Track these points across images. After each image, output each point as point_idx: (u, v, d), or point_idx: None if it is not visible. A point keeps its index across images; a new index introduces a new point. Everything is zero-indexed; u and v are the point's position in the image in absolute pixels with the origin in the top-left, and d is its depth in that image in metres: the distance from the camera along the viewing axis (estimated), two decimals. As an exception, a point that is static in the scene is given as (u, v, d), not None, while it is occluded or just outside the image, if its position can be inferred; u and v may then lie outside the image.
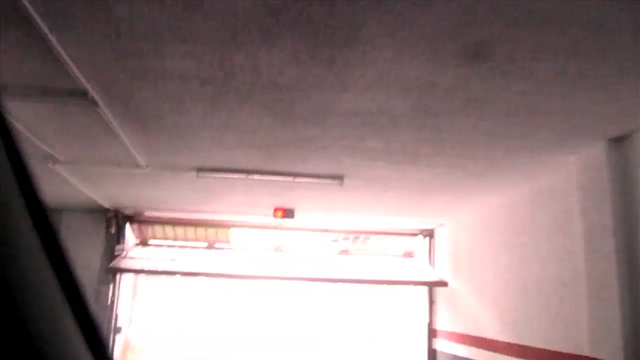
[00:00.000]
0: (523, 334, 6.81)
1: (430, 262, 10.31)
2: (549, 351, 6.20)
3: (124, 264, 9.34)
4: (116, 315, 9.28)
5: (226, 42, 3.46)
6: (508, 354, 7.13)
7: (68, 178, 6.88)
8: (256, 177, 6.62)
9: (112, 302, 9.20)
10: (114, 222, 9.35)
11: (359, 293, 11.25)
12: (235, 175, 6.62)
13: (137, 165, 6.36)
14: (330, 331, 13.39)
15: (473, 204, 7.88)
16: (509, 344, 7.10)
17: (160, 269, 9.47)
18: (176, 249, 10.61)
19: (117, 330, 9.32)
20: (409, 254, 11.05)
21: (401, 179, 6.60)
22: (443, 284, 9.46)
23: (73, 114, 4.87)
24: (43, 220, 0.78)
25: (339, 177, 6.54)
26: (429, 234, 10.36)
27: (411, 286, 10.30)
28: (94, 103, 4.51)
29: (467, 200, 7.72)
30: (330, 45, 3.43)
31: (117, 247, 9.46)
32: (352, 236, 11.93)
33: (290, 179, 6.64)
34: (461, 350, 8.64)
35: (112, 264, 9.05)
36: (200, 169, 6.52)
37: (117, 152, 5.94)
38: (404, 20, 3.09)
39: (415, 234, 10.51)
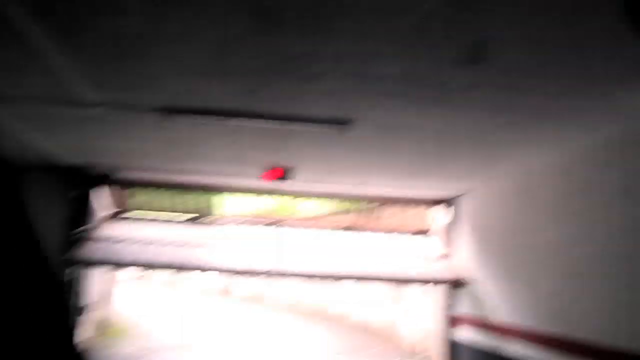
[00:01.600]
0: (572, 325, 5.40)
1: (450, 241, 8.85)
2: (609, 349, 4.81)
3: (86, 251, 7.92)
4: (76, 293, 7.94)
5: None
6: (550, 349, 5.73)
7: (5, 122, 5.49)
8: (236, 121, 5.18)
9: (75, 278, 7.86)
10: (79, 182, 7.96)
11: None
12: (211, 119, 5.19)
13: (84, 103, 4.94)
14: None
15: (510, 163, 6.42)
16: (552, 336, 5.70)
17: (130, 260, 8.03)
18: (157, 224, 9.18)
19: (80, 310, 7.99)
20: (426, 231, 9.59)
21: (422, 126, 5.14)
22: (460, 284, 8.08)
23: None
24: None
25: (343, 123, 5.08)
26: (451, 203, 8.89)
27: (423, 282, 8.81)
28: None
29: (502, 160, 6.27)
30: None
31: (75, 232, 8.03)
32: (360, 206, 10.54)
33: (280, 125, 5.20)
34: (488, 341, 7.25)
35: (69, 254, 7.60)
36: (164, 110, 5.08)
37: (53, 83, 4.52)
38: None
39: (435, 203, 9.03)
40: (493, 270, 7.35)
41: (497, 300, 7.14)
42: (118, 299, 11.68)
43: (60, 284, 7.54)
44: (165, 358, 9.12)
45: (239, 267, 8.20)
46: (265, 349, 10.77)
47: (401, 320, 11.39)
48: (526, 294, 6.41)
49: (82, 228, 8.20)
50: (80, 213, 8.29)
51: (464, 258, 8.39)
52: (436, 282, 8.43)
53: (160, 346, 10.02)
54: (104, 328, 10.40)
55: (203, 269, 8.57)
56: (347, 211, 11.44)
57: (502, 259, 7.11)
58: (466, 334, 7.96)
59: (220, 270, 8.73)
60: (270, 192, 8.93)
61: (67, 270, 7.66)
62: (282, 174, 7.29)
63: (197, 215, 9.53)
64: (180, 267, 8.28)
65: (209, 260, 8.15)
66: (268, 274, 8.88)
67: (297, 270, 8.25)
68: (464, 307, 8.13)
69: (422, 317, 10.12)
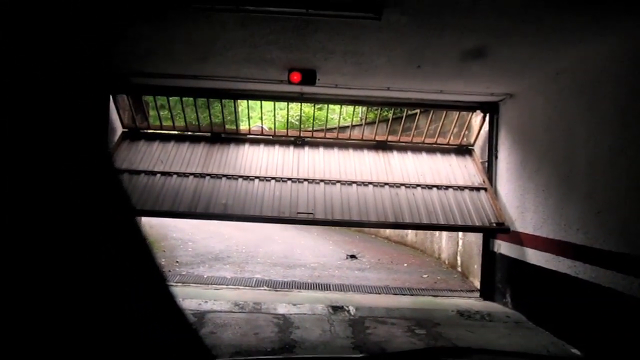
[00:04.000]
0: (633, 242, 4.76)
1: (492, 150, 8.07)
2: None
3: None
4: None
5: None
6: (604, 267, 5.13)
7: None
8: (252, 8, 4.45)
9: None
10: (93, 87, 7.37)
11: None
12: (221, 7, 4.46)
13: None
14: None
15: (570, 56, 5.55)
16: (611, 253, 5.08)
17: (149, 208, 7.23)
18: (177, 145, 8.45)
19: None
20: (465, 147, 8.76)
21: (473, 8, 4.29)
22: (504, 229, 7.26)
23: None
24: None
25: (375, 5, 4.29)
26: (491, 108, 8.05)
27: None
28: None
29: (562, 51, 5.40)
30: None
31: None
32: (391, 114, 9.81)
33: (302, 10, 4.44)
34: (532, 256, 6.69)
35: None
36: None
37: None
38: None
39: (477, 109, 8.19)
40: (540, 183, 6.65)
41: (543, 214, 6.50)
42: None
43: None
44: (194, 271, 8.90)
45: (265, 214, 7.31)
46: (300, 257, 10.50)
47: (437, 233, 10.92)
48: (579, 208, 5.74)
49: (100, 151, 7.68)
50: (98, 125, 7.79)
51: (504, 171, 7.68)
52: (475, 229, 7.71)
53: (190, 259, 9.80)
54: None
55: (230, 218, 7.55)
56: (380, 120, 10.74)
57: (552, 171, 6.39)
58: (508, 249, 7.40)
59: (249, 219, 7.63)
60: (294, 97, 8.22)
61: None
62: (303, 77, 6.60)
63: (219, 132, 8.88)
64: (204, 215, 7.45)
65: (234, 207, 7.33)
66: (294, 221, 7.84)
67: (324, 219, 7.43)
68: (505, 218, 7.50)
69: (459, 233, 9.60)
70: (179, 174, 7.82)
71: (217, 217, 7.51)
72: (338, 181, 7.89)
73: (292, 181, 7.85)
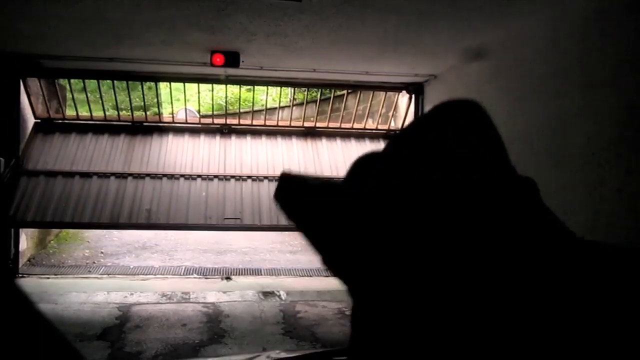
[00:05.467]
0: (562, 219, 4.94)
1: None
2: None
3: (16, 202, 6.89)
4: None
5: None
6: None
7: None
8: (166, -12, 4.24)
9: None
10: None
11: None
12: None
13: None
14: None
15: (485, 41, 5.66)
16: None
17: (68, 219, 6.84)
18: (91, 137, 7.91)
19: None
20: (393, 133, 8.80)
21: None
22: None
23: None
24: None
25: (295, -12, 4.19)
26: (416, 90, 8.15)
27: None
28: None
29: (478, 35, 5.50)
30: None
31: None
32: (319, 95, 9.76)
33: (219, -9, 4.27)
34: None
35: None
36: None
37: None
38: None
39: (399, 89, 8.28)
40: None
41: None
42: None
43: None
44: (120, 262, 8.59)
45: (192, 222, 7.06)
46: (231, 242, 10.35)
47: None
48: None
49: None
50: (7, 114, 7.28)
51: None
52: None
53: (116, 249, 9.46)
54: (54, 233, 9.74)
55: (155, 227, 7.37)
56: (308, 101, 10.65)
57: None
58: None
59: (175, 228, 7.42)
60: (219, 80, 8.00)
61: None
62: (226, 59, 6.41)
63: (141, 121, 8.44)
64: (128, 225, 7.18)
65: (159, 214, 7.04)
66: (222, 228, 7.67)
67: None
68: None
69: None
70: (99, 175, 7.39)
71: (141, 227, 7.26)
72: (265, 177, 7.68)
73: (219, 179, 7.60)
